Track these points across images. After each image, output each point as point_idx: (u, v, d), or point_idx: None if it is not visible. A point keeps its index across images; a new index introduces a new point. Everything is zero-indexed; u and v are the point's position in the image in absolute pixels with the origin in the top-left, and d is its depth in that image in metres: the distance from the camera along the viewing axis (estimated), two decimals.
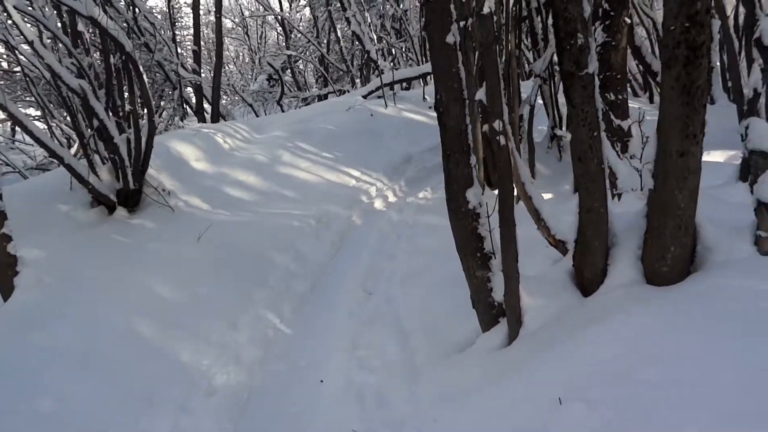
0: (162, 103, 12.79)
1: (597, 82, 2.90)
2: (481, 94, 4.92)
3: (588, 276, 3.10)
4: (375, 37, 12.39)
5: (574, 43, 2.76)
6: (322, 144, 9.55)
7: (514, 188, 2.84)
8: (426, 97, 12.56)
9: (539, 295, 3.04)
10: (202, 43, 27.38)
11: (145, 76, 6.45)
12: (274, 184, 7.99)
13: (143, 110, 7.22)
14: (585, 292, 3.10)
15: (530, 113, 7.38)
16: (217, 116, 12.36)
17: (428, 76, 13.52)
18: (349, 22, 15.42)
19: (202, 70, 13.93)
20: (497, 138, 2.70)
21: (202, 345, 4.17)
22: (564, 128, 8.21)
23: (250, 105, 18.80)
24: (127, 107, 6.71)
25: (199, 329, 4.34)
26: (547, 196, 6.70)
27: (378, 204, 7.67)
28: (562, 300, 3.02)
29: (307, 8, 24.37)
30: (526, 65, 13.56)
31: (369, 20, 12.81)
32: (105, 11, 6.09)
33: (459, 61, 3.12)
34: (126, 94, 6.69)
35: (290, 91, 21.35)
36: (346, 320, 4.42)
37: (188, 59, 13.05)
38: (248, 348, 4.20)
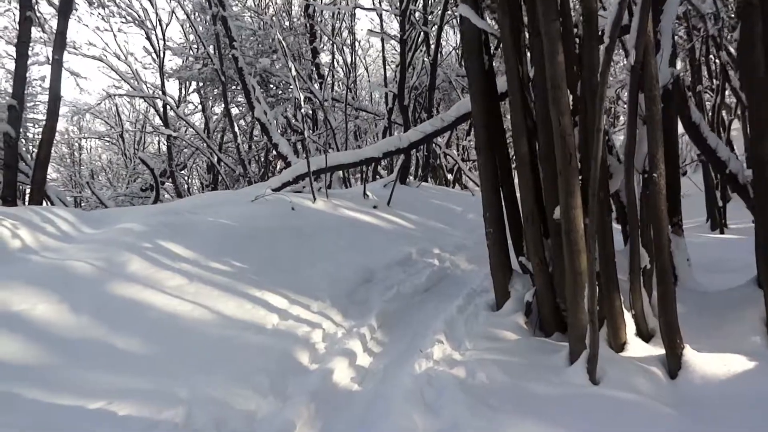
0: None
1: None
2: None
3: None
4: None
5: None
6: (211, 247, 5.16)
7: None
8: (367, 193, 8.62)
9: None
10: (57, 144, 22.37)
11: None
12: (96, 321, 3.46)
13: None
14: None
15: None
16: (39, 202, 7.61)
17: (372, 164, 9.71)
18: (252, 108, 11.61)
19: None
20: None
21: None
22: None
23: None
24: None
25: None
26: (735, 360, 2.80)
27: (341, 372, 3.29)
28: None
29: (196, 113, 20.53)
30: None
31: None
32: None
33: None
34: None
35: (170, 198, 16.82)
36: None
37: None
38: None
